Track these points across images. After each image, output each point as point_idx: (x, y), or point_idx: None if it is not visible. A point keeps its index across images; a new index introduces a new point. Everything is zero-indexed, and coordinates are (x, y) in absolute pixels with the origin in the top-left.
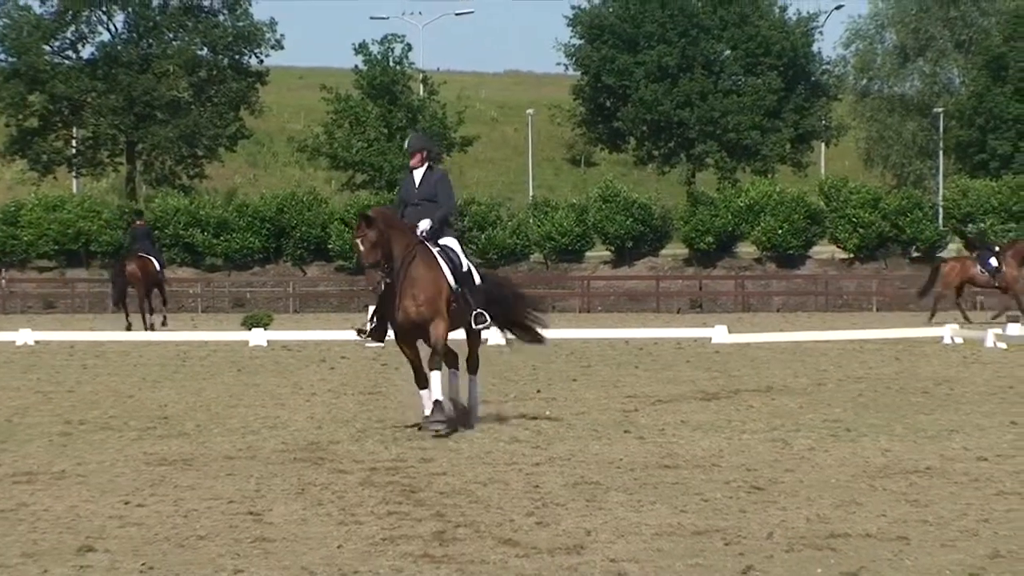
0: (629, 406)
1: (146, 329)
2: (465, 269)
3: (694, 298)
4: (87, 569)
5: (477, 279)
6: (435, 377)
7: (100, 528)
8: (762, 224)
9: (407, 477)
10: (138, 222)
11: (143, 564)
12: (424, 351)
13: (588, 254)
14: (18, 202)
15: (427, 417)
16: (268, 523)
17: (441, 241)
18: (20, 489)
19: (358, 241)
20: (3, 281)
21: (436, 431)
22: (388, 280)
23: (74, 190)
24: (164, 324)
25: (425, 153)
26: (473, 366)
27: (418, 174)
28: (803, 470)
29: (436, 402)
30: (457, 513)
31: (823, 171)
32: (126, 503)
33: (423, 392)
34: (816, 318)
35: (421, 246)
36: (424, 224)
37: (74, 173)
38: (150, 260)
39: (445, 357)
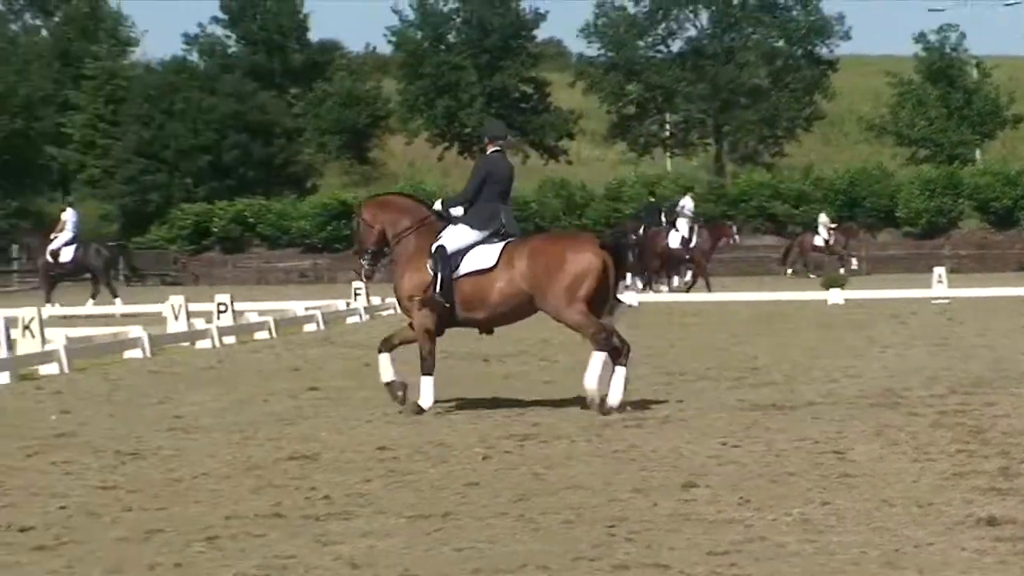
0: None
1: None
2: (433, 249)
3: None
4: (691, 502)
5: (468, 266)
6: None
7: (701, 466)
8: None
9: (973, 419)
10: (651, 199)
11: (741, 497)
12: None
13: None
14: (620, 179)
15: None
16: (850, 461)
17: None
18: (630, 432)
19: None
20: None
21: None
22: (370, 269)
23: (668, 168)
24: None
25: (485, 139)
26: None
27: None
28: None
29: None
30: (1020, 451)
31: None
32: (723, 444)
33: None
34: None
35: (418, 231)
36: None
37: (668, 153)
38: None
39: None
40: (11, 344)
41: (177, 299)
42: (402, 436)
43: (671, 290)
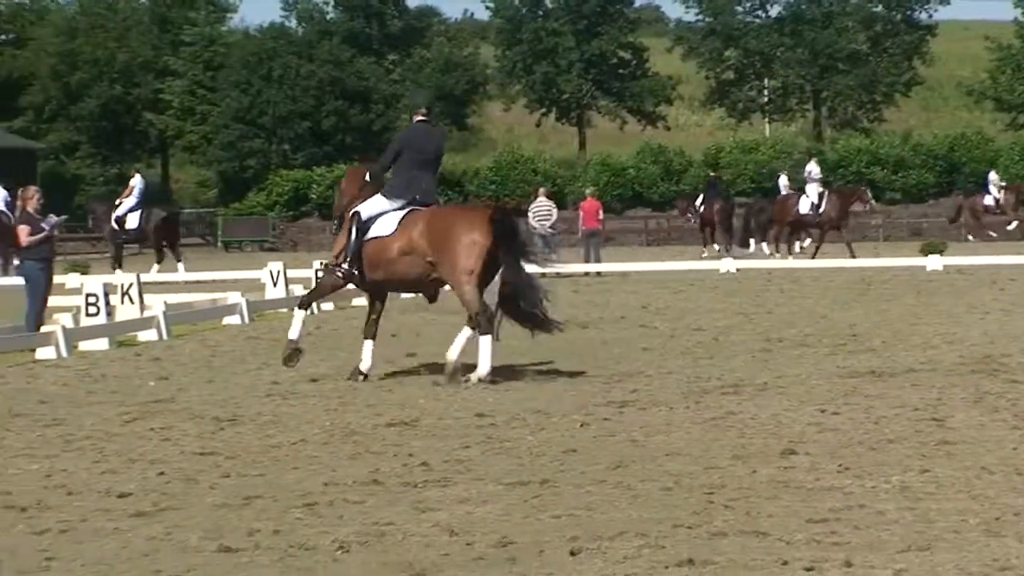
0: None
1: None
2: (350, 215)
3: None
4: (790, 469)
5: (376, 231)
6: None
7: (800, 433)
8: None
9: None
10: (712, 174)
11: (839, 464)
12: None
13: None
14: (718, 145)
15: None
16: (949, 428)
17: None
18: (728, 399)
19: None
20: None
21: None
22: (337, 231)
23: (766, 134)
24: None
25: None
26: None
27: None
28: None
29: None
30: None
31: None
32: (822, 411)
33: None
34: None
35: (357, 201)
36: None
37: (766, 119)
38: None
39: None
40: (110, 310)
41: (276, 265)
42: (499, 403)
43: (795, 255)
